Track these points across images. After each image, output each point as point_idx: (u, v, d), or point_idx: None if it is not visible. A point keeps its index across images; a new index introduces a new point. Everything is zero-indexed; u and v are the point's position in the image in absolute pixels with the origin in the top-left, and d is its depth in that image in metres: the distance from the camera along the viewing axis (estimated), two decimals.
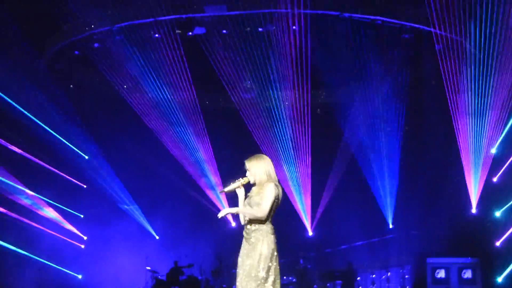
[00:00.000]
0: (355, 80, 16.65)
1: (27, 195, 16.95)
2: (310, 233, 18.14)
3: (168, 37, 15.44)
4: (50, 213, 17.51)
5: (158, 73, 16.19)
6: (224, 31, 15.39)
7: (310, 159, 17.29)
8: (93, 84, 17.54)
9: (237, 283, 5.73)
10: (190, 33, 15.45)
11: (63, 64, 17.21)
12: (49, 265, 17.39)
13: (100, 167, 18.00)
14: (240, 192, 5.92)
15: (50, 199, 17.36)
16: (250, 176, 5.86)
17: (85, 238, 18.44)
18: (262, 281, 5.57)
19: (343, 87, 17.23)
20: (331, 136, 17.81)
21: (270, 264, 5.63)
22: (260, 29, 15.19)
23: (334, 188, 17.90)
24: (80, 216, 18.28)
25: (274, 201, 5.64)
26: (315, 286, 17.19)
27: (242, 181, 5.82)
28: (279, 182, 5.88)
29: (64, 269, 17.84)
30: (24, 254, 16.79)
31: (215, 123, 17.76)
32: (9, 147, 16.00)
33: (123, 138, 17.79)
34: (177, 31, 15.47)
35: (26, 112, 15.97)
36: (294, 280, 17.53)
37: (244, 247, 5.79)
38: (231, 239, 17.83)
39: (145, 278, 17.34)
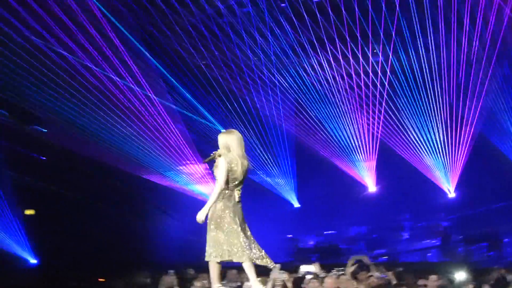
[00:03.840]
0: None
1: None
2: (452, 195, 17.52)
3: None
4: (194, 186, 18.25)
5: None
6: None
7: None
8: None
9: None
10: None
11: None
12: (191, 235, 18.17)
13: None
14: None
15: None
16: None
17: None
18: (212, 234, 6.08)
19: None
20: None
21: (219, 221, 6.06)
22: None
23: (475, 146, 17.15)
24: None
25: (226, 173, 6.04)
26: (459, 249, 16.80)
27: (216, 153, 6.16)
28: (243, 155, 6.16)
29: None
30: (169, 225, 17.70)
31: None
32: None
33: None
34: None
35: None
36: (438, 243, 17.28)
37: None
38: (369, 208, 18.08)
39: (287, 246, 17.65)
